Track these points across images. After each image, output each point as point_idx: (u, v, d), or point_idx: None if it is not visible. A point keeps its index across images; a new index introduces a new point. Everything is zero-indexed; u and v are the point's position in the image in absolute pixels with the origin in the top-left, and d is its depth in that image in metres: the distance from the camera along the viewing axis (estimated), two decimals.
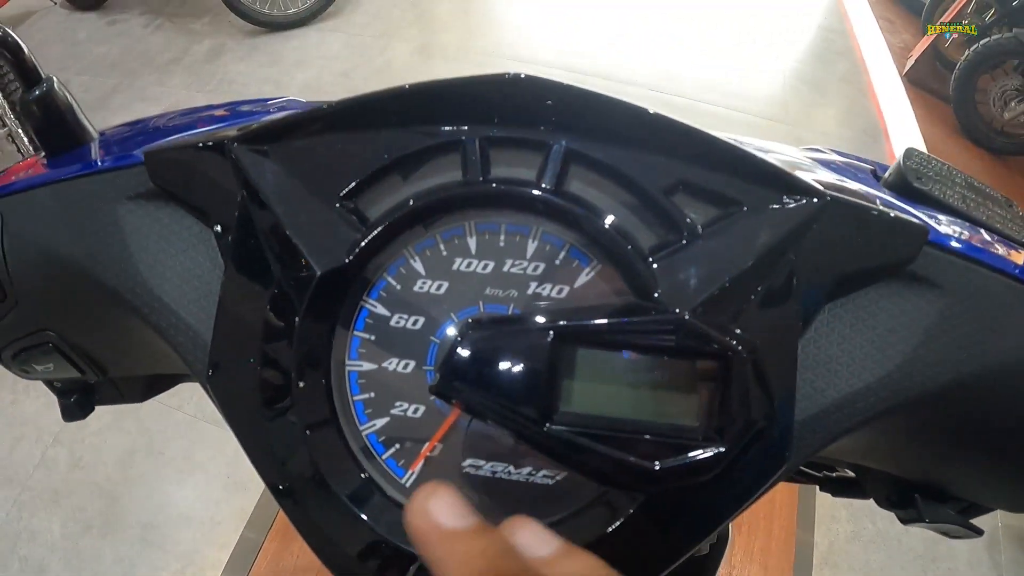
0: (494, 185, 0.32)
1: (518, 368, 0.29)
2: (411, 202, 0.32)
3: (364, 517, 0.33)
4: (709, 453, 0.29)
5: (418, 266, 0.33)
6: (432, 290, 0.33)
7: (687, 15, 3.93)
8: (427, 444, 0.33)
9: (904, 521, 0.45)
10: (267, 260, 0.33)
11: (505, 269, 0.33)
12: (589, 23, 3.76)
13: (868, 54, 3.86)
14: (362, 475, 0.34)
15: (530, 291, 0.33)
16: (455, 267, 0.33)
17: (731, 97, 3.31)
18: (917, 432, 0.37)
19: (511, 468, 0.33)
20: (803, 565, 1.56)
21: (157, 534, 1.71)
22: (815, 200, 0.31)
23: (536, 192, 0.31)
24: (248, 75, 3.29)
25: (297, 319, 0.32)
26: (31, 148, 2.13)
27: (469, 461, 0.33)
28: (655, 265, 0.31)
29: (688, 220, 0.31)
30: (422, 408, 0.34)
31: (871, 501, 0.49)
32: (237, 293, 0.34)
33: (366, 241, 0.32)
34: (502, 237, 0.33)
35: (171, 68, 3.34)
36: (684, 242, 0.31)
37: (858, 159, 0.49)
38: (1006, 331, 0.34)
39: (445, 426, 0.33)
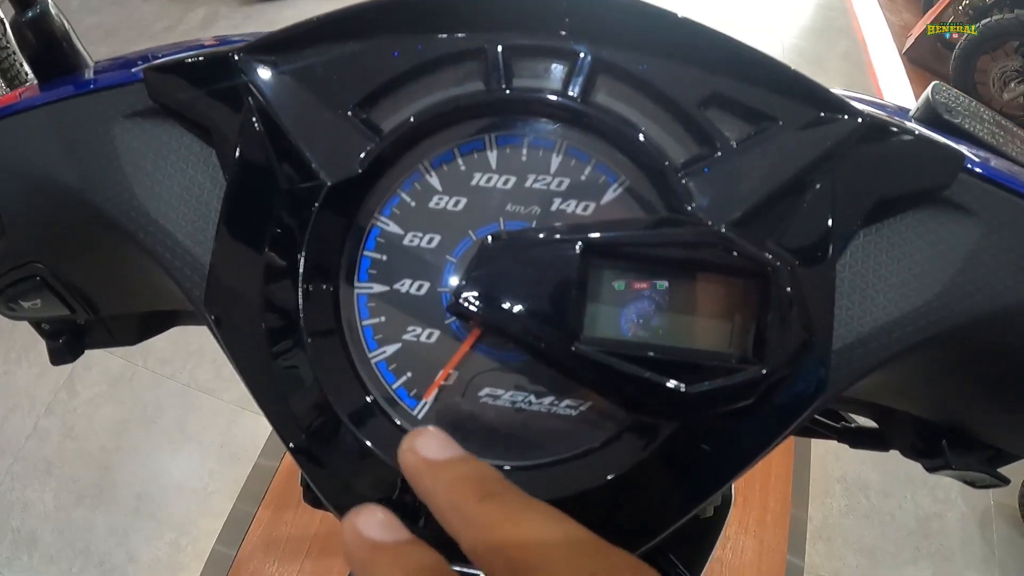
0: (518, 93, 0.30)
1: (543, 284, 0.28)
2: (427, 111, 0.30)
3: (375, 449, 0.31)
4: (748, 375, 0.28)
5: (434, 181, 0.31)
6: (449, 207, 0.31)
7: None
8: (442, 371, 0.32)
9: (929, 469, 0.43)
10: (273, 176, 0.31)
11: (527, 185, 0.31)
12: None
13: (868, 32, 3.84)
14: (367, 398, 0.32)
15: (553, 208, 0.31)
16: (474, 182, 0.31)
17: None
18: (951, 368, 0.36)
19: (532, 398, 0.32)
20: (797, 538, 1.57)
21: (150, 504, 1.69)
22: (852, 119, 0.30)
23: (563, 100, 0.29)
24: (241, 33, 3.22)
25: (303, 240, 0.30)
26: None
27: (487, 391, 0.32)
28: (687, 180, 0.29)
29: (722, 134, 0.30)
30: (436, 333, 0.32)
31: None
32: (240, 214, 0.32)
33: (379, 151, 0.30)
34: (524, 151, 0.31)
35: (165, 36, 3.28)
36: (719, 156, 0.29)
37: (877, 99, 0.48)
38: None
39: (462, 350, 0.31)
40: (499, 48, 0.30)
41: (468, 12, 0.30)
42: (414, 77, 0.31)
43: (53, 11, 0.40)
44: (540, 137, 0.31)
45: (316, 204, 0.30)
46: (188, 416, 1.83)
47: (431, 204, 0.31)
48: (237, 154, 0.32)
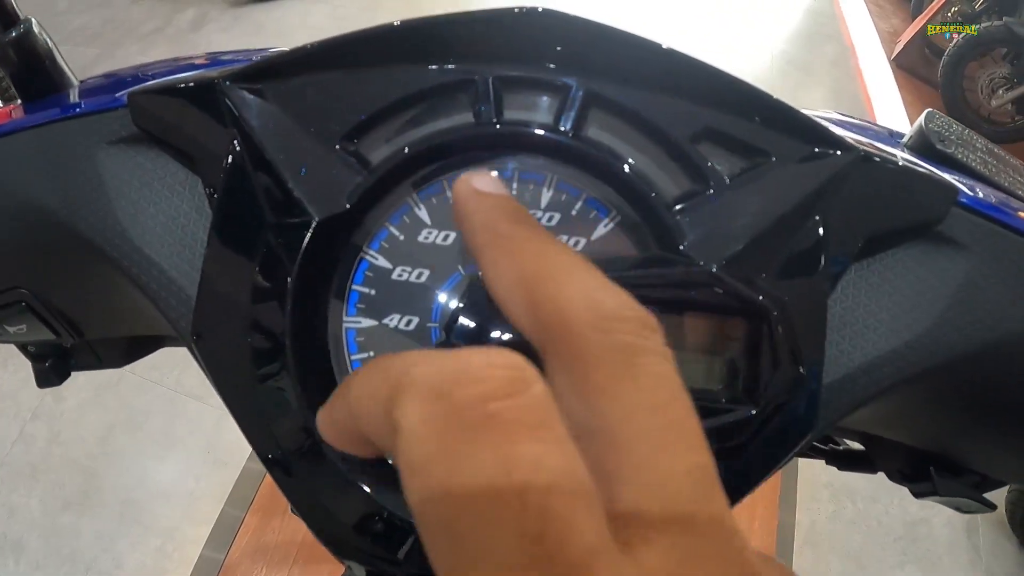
0: (508, 127, 0.29)
1: None
2: (417, 144, 0.30)
3: (362, 486, 0.31)
4: (738, 417, 0.27)
5: (423, 215, 0.31)
6: (438, 241, 0.31)
7: None
8: None
9: (917, 495, 0.44)
10: (259, 209, 0.31)
11: None
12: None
13: (857, 38, 3.85)
14: None
15: None
16: None
17: None
18: (941, 400, 0.36)
19: None
20: (785, 544, 1.58)
21: (137, 510, 1.68)
22: (847, 154, 0.30)
23: (553, 135, 0.29)
24: (231, 46, 3.17)
25: (290, 275, 0.30)
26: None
27: None
28: (679, 216, 0.29)
29: (715, 170, 0.29)
30: None
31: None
32: (225, 246, 0.32)
33: (368, 186, 0.29)
34: (515, 185, 0.31)
35: (154, 38, 3.26)
36: (711, 192, 0.29)
37: (869, 123, 0.48)
38: None
39: None
40: (489, 80, 0.30)
41: (458, 43, 0.30)
42: (403, 109, 0.30)
43: (36, 29, 0.39)
44: (530, 171, 0.31)
45: (304, 241, 0.29)
46: (175, 421, 1.81)
47: (420, 238, 0.31)
48: (222, 186, 0.31)
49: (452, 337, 0.28)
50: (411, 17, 0.29)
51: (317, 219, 0.29)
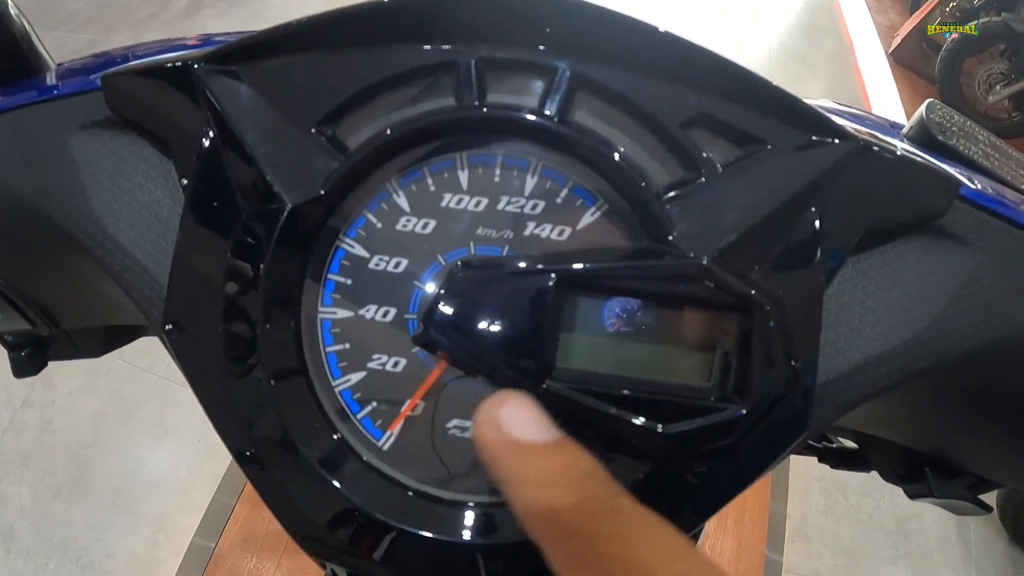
0: (492, 110, 0.28)
1: (514, 316, 0.27)
2: (395, 128, 0.29)
3: (336, 483, 0.30)
4: (728, 415, 0.26)
5: (402, 202, 0.30)
6: (417, 229, 0.30)
7: None
8: (408, 402, 0.30)
9: (911, 496, 0.43)
10: (233, 195, 0.29)
11: (500, 207, 0.30)
12: None
13: (855, 32, 3.84)
14: (334, 436, 0.31)
15: (527, 232, 0.29)
16: (444, 204, 0.30)
17: None
18: (938, 400, 0.35)
19: None
20: (776, 537, 1.58)
21: (128, 499, 1.67)
22: (846, 143, 0.29)
23: (538, 119, 0.28)
24: (227, 31, 3.18)
25: (263, 262, 0.29)
26: None
27: (455, 422, 0.30)
28: (669, 206, 0.28)
29: (707, 158, 0.28)
30: (403, 361, 0.30)
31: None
32: (198, 233, 0.31)
33: (344, 171, 0.28)
34: (498, 171, 0.30)
35: (148, 24, 3.23)
36: (703, 181, 0.28)
37: (867, 113, 0.46)
38: None
39: (429, 381, 0.30)
40: (472, 61, 0.29)
41: (440, 22, 0.29)
42: (382, 91, 0.29)
43: (13, 12, 0.38)
44: (514, 157, 0.29)
45: (277, 227, 0.28)
46: (166, 410, 1.81)
47: (398, 226, 0.30)
48: (195, 170, 0.30)
49: (430, 328, 0.27)
50: None
51: (290, 205, 0.28)
